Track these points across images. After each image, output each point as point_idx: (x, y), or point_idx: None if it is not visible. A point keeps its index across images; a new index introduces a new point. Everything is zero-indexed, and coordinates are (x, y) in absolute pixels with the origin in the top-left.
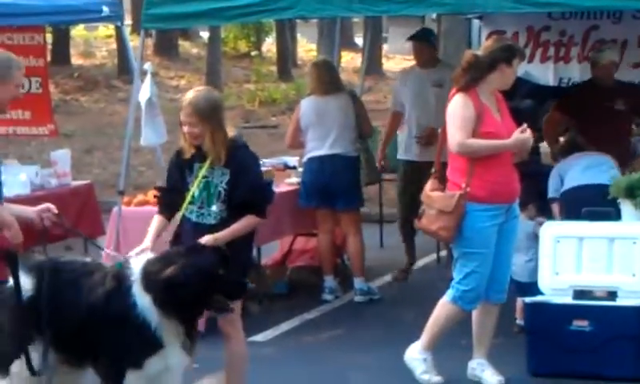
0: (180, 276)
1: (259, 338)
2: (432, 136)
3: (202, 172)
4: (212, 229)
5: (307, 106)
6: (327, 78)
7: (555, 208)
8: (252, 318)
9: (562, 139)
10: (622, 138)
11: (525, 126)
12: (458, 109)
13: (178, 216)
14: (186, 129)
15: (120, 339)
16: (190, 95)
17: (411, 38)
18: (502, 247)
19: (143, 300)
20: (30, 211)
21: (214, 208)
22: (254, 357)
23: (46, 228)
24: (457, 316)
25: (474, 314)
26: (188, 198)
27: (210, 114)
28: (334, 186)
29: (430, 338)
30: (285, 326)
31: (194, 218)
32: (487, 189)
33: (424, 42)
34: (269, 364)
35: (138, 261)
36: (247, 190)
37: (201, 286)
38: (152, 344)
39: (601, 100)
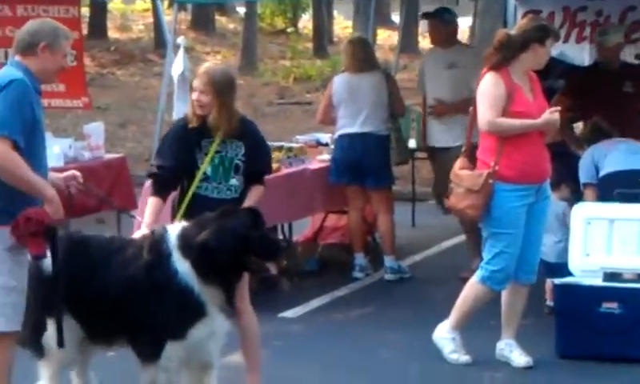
0: (214, 239)
1: (289, 314)
2: (441, 109)
3: (214, 147)
4: (234, 203)
5: (340, 82)
6: (361, 56)
7: (589, 193)
8: (282, 295)
9: (579, 125)
10: (632, 121)
11: (556, 106)
12: (488, 87)
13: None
14: (195, 95)
15: (162, 310)
16: (207, 65)
17: (425, 16)
18: (531, 228)
19: (183, 267)
20: (55, 177)
21: (233, 181)
22: (284, 333)
23: (71, 195)
24: (485, 296)
25: (503, 294)
26: (199, 176)
27: (223, 87)
28: (365, 164)
29: (459, 317)
30: (315, 303)
31: (210, 194)
32: (516, 168)
33: (437, 20)
34: (298, 340)
35: (174, 228)
36: (267, 160)
37: (235, 247)
38: (195, 311)
39: (608, 83)
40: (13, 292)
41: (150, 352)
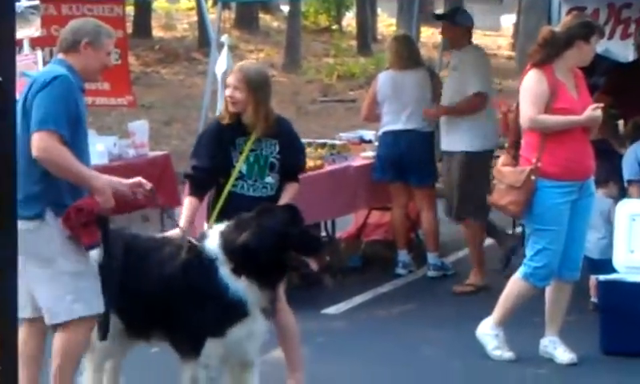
0: (254, 239)
1: (332, 310)
2: (430, 113)
3: (249, 145)
4: (270, 200)
5: (384, 79)
6: (406, 53)
7: (634, 190)
8: (325, 291)
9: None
10: None
11: (598, 103)
12: (531, 84)
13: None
14: (228, 91)
15: (204, 308)
16: (242, 63)
17: (435, 17)
18: (575, 225)
19: (225, 267)
20: (122, 184)
21: (269, 179)
22: (326, 329)
23: (136, 202)
24: (528, 293)
25: (547, 291)
26: (235, 174)
27: (258, 85)
28: (409, 160)
29: (502, 314)
30: (358, 300)
31: (246, 192)
32: (559, 165)
33: (447, 21)
34: (341, 337)
35: (215, 229)
36: (301, 157)
37: (275, 245)
38: (236, 311)
39: None
40: (84, 277)
41: (190, 348)
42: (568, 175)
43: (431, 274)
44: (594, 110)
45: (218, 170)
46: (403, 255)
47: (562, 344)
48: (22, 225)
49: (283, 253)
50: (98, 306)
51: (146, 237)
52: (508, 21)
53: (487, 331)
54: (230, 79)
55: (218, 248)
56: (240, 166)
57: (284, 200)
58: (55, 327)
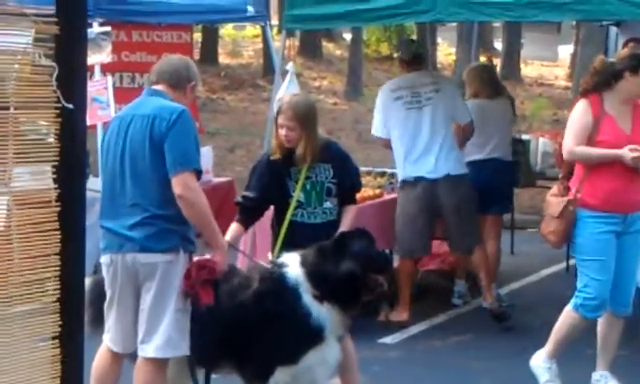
0: (350, 266)
1: (388, 340)
2: None
3: (304, 174)
4: (331, 226)
5: (470, 109)
6: (492, 82)
7: None
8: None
9: None
10: None
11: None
12: (576, 115)
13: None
14: (283, 131)
15: (281, 336)
16: (288, 99)
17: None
18: (623, 259)
19: (309, 295)
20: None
21: (327, 204)
22: (382, 359)
23: None
24: (579, 324)
25: (599, 324)
26: (293, 203)
27: (307, 119)
28: (491, 190)
29: (555, 345)
30: (413, 329)
31: (307, 220)
32: (598, 197)
33: None
34: (396, 366)
35: (294, 257)
36: (355, 177)
37: (363, 269)
38: (312, 338)
39: None
40: (187, 315)
41: (258, 374)
42: (608, 207)
43: (487, 305)
44: (629, 150)
45: (267, 201)
46: (461, 285)
47: (614, 379)
48: (159, 257)
49: (366, 276)
50: (187, 348)
51: (232, 266)
52: (565, 51)
53: (540, 363)
54: (282, 119)
55: (301, 276)
56: (297, 195)
57: (345, 224)
58: (133, 357)
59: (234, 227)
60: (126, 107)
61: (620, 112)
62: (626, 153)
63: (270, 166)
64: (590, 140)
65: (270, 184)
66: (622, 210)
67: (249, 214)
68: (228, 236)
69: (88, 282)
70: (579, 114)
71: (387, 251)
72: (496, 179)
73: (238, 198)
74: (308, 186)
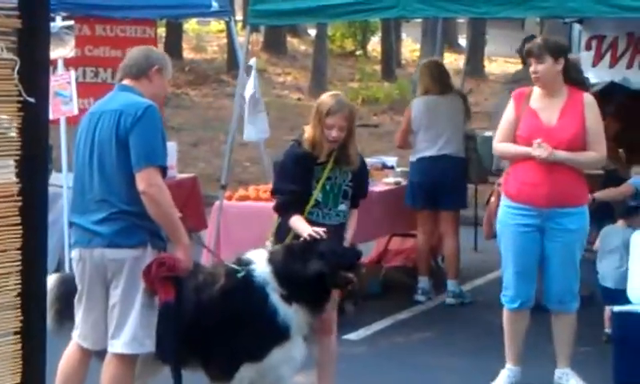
0: (325, 267)
1: (352, 336)
2: None
3: (326, 174)
4: (340, 227)
5: (419, 106)
6: (442, 78)
7: (626, 188)
8: (346, 318)
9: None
10: None
11: (539, 140)
12: (504, 113)
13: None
14: (334, 133)
15: (247, 333)
16: (336, 100)
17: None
18: (548, 257)
19: (276, 294)
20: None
21: (342, 207)
22: (347, 355)
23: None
24: (508, 318)
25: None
26: (312, 202)
27: (355, 118)
28: (443, 186)
29: (506, 346)
30: (377, 326)
31: (321, 220)
32: (513, 188)
33: None
34: (360, 363)
35: (261, 255)
36: (367, 185)
37: (331, 269)
38: (278, 335)
39: None
40: (154, 312)
41: (224, 370)
42: (522, 199)
43: (449, 301)
44: (535, 147)
45: (303, 194)
46: (424, 282)
47: (575, 375)
48: (126, 253)
49: (335, 274)
50: (153, 345)
51: (197, 264)
52: None
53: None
54: (335, 120)
55: (268, 274)
56: (316, 194)
57: (351, 228)
58: (100, 356)
59: (297, 218)
60: (97, 103)
61: (545, 105)
62: (533, 149)
63: (306, 161)
64: (514, 135)
65: (301, 179)
66: (538, 203)
67: (297, 206)
68: (302, 227)
69: (54, 278)
70: (506, 111)
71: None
72: (448, 175)
73: (281, 197)
74: (327, 187)
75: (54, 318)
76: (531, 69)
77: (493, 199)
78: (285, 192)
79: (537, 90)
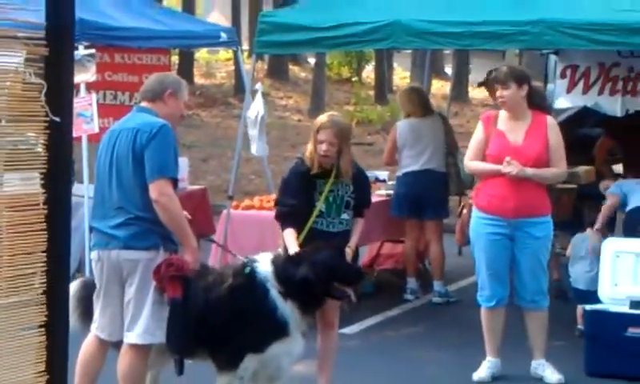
0: (311, 272)
1: (346, 331)
2: None
3: (329, 187)
4: (346, 235)
5: (403, 127)
6: (422, 102)
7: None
8: (342, 314)
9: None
10: None
11: (508, 158)
12: (474, 133)
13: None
14: (324, 147)
15: (250, 327)
16: (327, 118)
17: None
18: (517, 260)
19: (275, 292)
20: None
21: (345, 216)
22: (342, 348)
23: None
24: (484, 315)
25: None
26: (316, 212)
27: (347, 135)
28: (426, 197)
29: (486, 341)
30: (369, 322)
31: (325, 228)
32: (484, 201)
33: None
34: (354, 355)
35: (266, 258)
36: (369, 196)
37: (326, 277)
38: (278, 331)
39: None
40: (164, 308)
41: (229, 361)
42: (491, 210)
43: (436, 300)
44: (506, 165)
45: (303, 207)
46: (412, 283)
47: (550, 366)
48: (140, 254)
49: (329, 284)
50: (163, 337)
51: (206, 266)
52: None
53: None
54: (324, 135)
55: (270, 274)
56: (320, 205)
57: (355, 235)
58: (117, 347)
59: (290, 233)
60: (117, 122)
61: (511, 127)
62: (503, 167)
63: (305, 178)
64: (483, 154)
65: (303, 194)
66: (506, 214)
67: (293, 219)
68: (290, 242)
69: (77, 283)
70: (476, 132)
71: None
72: (430, 188)
73: (280, 209)
74: (330, 198)
75: (79, 319)
76: (497, 93)
77: (465, 211)
78: (285, 205)
79: (503, 114)
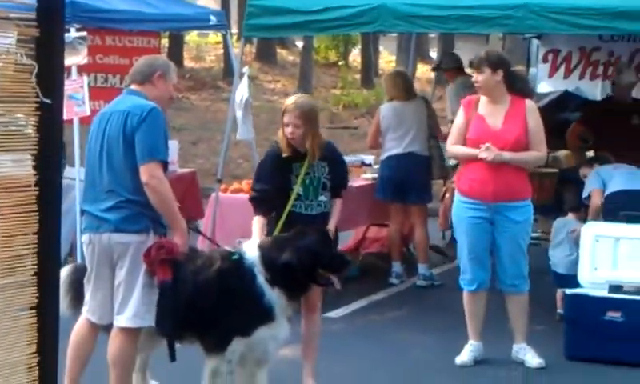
0: (294, 258)
1: (332, 314)
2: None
3: (304, 170)
4: (324, 216)
5: (386, 110)
6: (405, 86)
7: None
8: (327, 297)
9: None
10: (638, 149)
11: (486, 144)
12: (456, 118)
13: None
14: (289, 129)
15: (237, 311)
16: (294, 100)
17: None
18: (497, 244)
19: (261, 278)
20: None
21: (322, 198)
22: (327, 331)
23: None
24: (466, 298)
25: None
26: (294, 196)
27: (312, 117)
28: (409, 181)
29: (469, 326)
30: (354, 306)
31: (304, 211)
32: (465, 185)
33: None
34: (339, 338)
35: (251, 245)
36: (346, 175)
37: (310, 264)
38: (264, 316)
39: (619, 115)
40: (154, 291)
41: (217, 344)
42: (472, 195)
43: (420, 283)
44: (482, 150)
45: (278, 192)
46: (397, 266)
47: (531, 350)
48: (131, 237)
49: (314, 271)
50: (153, 320)
51: (195, 250)
52: None
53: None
54: (289, 118)
55: (257, 259)
56: (297, 188)
57: (334, 217)
58: (107, 330)
59: (257, 221)
60: (108, 105)
61: (491, 111)
62: (480, 152)
63: (279, 162)
64: (464, 138)
65: (278, 177)
66: (486, 198)
67: (266, 205)
68: (255, 231)
69: (68, 268)
70: (457, 117)
71: None
72: (413, 171)
73: (253, 194)
74: (307, 181)
75: (70, 304)
76: (473, 78)
77: (447, 195)
78: (257, 190)
79: (483, 98)
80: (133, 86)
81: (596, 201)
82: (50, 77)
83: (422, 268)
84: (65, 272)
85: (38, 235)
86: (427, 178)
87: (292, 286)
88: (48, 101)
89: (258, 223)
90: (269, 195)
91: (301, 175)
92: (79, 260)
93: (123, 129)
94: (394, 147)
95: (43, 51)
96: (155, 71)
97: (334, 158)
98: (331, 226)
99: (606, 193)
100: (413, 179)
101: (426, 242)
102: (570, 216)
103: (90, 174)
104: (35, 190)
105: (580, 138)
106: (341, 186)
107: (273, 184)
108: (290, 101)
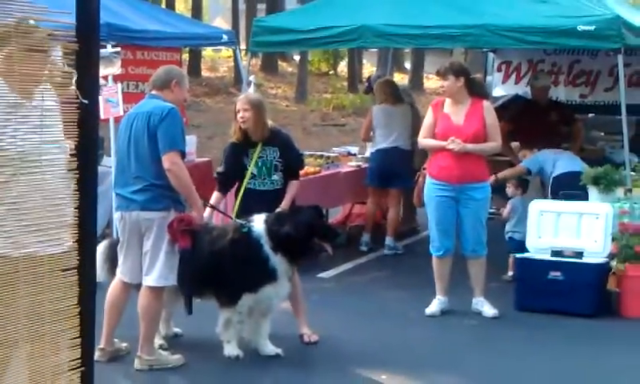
0: (294, 229)
1: (324, 275)
2: None
3: (257, 153)
4: (277, 192)
5: (377, 111)
6: (394, 92)
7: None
8: (319, 260)
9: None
10: (554, 141)
11: (453, 138)
12: (426, 117)
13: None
14: (239, 114)
15: (247, 272)
16: (248, 95)
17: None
18: (461, 218)
19: (267, 246)
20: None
21: (275, 177)
22: (319, 289)
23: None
24: (436, 262)
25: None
26: (248, 175)
27: (258, 104)
28: (394, 170)
29: (437, 284)
30: (342, 268)
31: (258, 187)
32: (434, 170)
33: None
34: (330, 295)
35: (260, 218)
36: (297, 159)
37: (308, 234)
38: (269, 276)
39: (538, 113)
40: (176, 256)
41: (229, 299)
42: (440, 177)
43: (386, 252)
44: (450, 142)
45: (235, 173)
46: (366, 237)
47: (487, 303)
48: (155, 215)
49: (310, 240)
50: (175, 280)
51: (212, 225)
52: None
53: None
54: (239, 105)
55: (263, 231)
56: (252, 169)
57: (288, 195)
58: (137, 288)
59: (215, 195)
60: (133, 107)
61: (454, 110)
62: (447, 144)
63: (234, 148)
64: (433, 132)
65: (235, 161)
66: (452, 181)
67: (224, 184)
68: (211, 201)
69: (105, 243)
70: (427, 115)
71: (325, 210)
72: (397, 162)
73: (215, 175)
74: (259, 163)
75: (108, 272)
76: (440, 84)
77: (420, 179)
78: (219, 173)
79: (448, 100)
80: (153, 91)
81: (518, 169)
82: (87, 82)
83: (388, 240)
84: (102, 246)
85: (78, 210)
86: (409, 167)
87: (292, 253)
88: (85, 101)
89: (215, 197)
90: (226, 176)
91: (254, 158)
92: (115, 234)
93: (147, 126)
94: (381, 142)
95: (82, 62)
96: (172, 79)
97: (285, 144)
98: (284, 204)
99: (554, 174)
100: (397, 169)
101: (396, 219)
102: (511, 189)
103: (120, 163)
104: (76, 174)
105: (508, 133)
106: (293, 168)
107: (231, 167)
108: (240, 95)
